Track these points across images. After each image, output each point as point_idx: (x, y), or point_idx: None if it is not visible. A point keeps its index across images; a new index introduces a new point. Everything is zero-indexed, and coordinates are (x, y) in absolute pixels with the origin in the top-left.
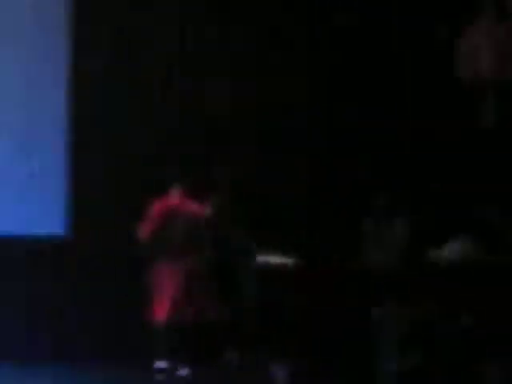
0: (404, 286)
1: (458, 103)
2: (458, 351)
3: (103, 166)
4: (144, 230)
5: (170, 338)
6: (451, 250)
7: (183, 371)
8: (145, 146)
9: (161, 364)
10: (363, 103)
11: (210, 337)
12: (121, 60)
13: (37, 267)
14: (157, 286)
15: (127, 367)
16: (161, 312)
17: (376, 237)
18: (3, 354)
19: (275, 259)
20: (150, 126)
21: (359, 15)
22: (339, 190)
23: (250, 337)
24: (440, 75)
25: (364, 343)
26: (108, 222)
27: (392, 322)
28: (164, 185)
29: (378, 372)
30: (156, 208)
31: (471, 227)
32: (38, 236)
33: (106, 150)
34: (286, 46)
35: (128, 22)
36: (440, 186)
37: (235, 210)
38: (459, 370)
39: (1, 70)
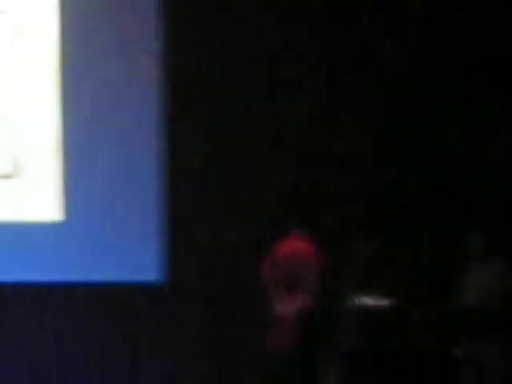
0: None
1: None
2: None
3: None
4: (265, 270)
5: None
6: None
7: None
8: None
9: None
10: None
11: None
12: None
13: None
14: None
15: None
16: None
17: (473, 276)
18: None
19: (371, 301)
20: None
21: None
22: (434, 227)
23: None
24: None
25: None
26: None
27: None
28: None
29: None
30: (278, 250)
31: None
32: (133, 282)
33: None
34: None
35: None
36: None
37: None
38: None
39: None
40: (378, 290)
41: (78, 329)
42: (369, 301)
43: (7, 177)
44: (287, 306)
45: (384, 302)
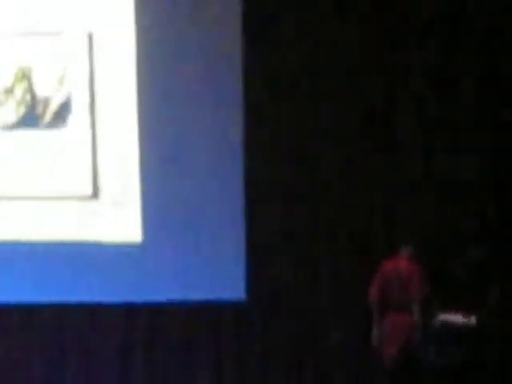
0: None
1: None
2: None
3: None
4: (373, 292)
5: None
6: None
7: None
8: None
9: None
10: None
11: None
12: None
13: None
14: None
15: None
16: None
17: None
18: None
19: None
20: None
21: None
22: None
23: None
24: None
25: None
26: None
27: None
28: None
29: None
30: (385, 268)
31: None
32: (219, 301)
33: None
34: None
35: None
36: None
37: None
38: None
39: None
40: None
41: (164, 348)
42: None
43: (87, 198)
44: (391, 325)
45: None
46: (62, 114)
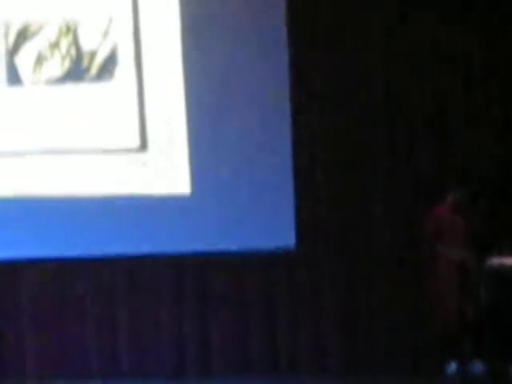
0: None
1: None
2: None
3: None
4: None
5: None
6: None
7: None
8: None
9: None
10: None
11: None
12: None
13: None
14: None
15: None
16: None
17: None
18: None
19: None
20: None
21: None
22: None
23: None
24: None
25: None
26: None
27: None
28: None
29: None
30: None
31: None
32: (269, 250)
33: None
34: None
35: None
36: None
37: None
38: None
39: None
40: None
41: (216, 298)
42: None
43: (135, 150)
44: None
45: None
46: (107, 67)
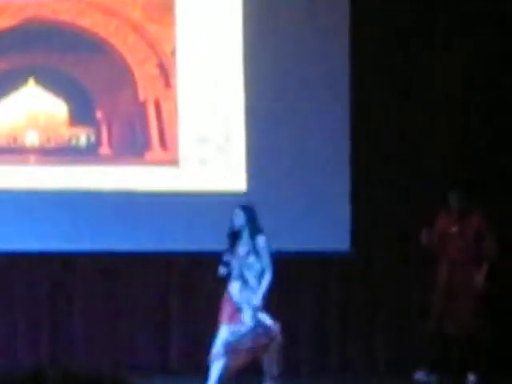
0: None
1: None
2: None
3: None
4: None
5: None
6: None
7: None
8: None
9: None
10: None
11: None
12: None
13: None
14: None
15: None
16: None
17: None
18: None
19: None
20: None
21: None
22: None
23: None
24: None
25: None
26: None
27: None
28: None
29: None
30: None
31: None
32: (324, 253)
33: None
34: None
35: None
36: None
37: None
38: None
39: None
40: None
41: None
42: None
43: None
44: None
45: None
46: None
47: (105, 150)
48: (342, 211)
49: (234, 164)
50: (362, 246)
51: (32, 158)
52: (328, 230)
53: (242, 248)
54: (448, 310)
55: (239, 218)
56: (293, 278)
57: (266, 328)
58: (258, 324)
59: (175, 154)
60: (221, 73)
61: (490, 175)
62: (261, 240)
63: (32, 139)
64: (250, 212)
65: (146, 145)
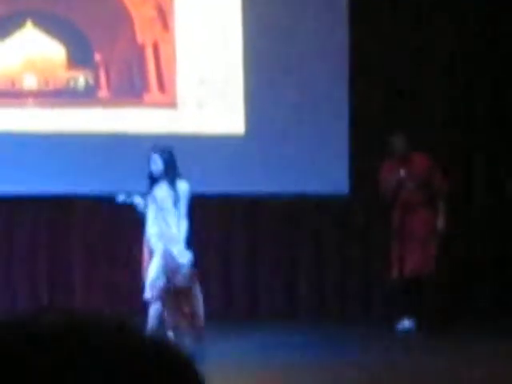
0: None
1: None
2: None
3: None
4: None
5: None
6: None
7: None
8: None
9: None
10: None
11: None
12: None
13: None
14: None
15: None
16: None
17: None
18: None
19: None
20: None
21: None
22: None
23: None
24: None
25: None
26: None
27: None
28: None
29: None
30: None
31: None
32: (321, 195)
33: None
34: None
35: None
36: None
37: None
38: None
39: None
40: None
41: (264, 239)
42: None
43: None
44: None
45: None
46: None
47: (103, 92)
48: (341, 154)
49: (232, 106)
50: (360, 190)
51: (30, 100)
52: (326, 172)
53: (161, 191)
54: (405, 254)
55: (157, 164)
56: (290, 219)
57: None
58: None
59: (173, 96)
60: (219, 15)
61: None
62: (181, 185)
63: (30, 82)
64: (168, 157)
65: (144, 87)
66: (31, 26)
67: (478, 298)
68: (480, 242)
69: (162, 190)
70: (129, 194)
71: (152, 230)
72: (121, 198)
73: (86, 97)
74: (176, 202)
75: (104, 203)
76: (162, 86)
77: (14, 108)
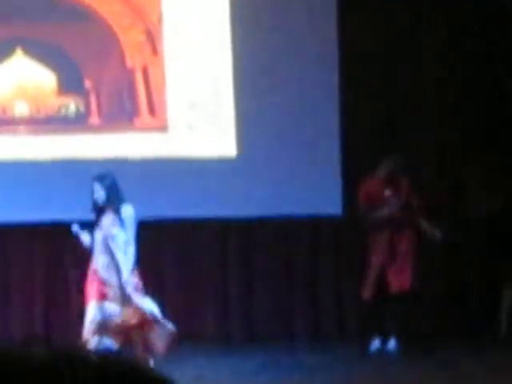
0: None
1: None
2: None
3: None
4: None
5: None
6: None
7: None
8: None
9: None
10: None
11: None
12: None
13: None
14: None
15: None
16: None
17: None
18: None
19: None
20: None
21: None
22: None
23: None
24: None
25: None
26: None
27: None
28: None
29: None
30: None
31: None
32: (316, 216)
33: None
34: None
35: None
36: None
37: None
38: None
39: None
40: None
41: (260, 263)
42: None
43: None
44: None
45: None
46: None
47: (94, 119)
48: (333, 175)
49: (223, 129)
50: (354, 209)
51: (22, 128)
52: (319, 194)
53: (107, 219)
54: (391, 271)
55: (99, 193)
56: (284, 241)
57: (136, 307)
58: (128, 302)
59: (164, 120)
60: (208, 38)
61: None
62: (126, 210)
63: (21, 110)
64: (109, 183)
65: (134, 111)
66: (21, 53)
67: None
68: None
69: (107, 217)
70: (81, 227)
71: (100, 260)
72: (75, 227)
73: (76, 123)
74: (121, 225)
75: None
76: (152, 109)
77: (5, 136)
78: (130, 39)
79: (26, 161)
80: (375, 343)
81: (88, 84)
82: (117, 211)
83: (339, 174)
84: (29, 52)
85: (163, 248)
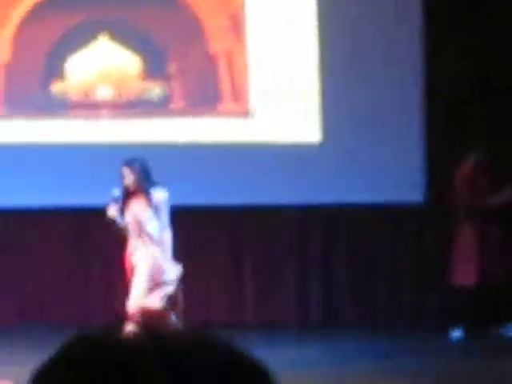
0: None
1: None
2: None
3: None
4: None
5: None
6: None
7: (456, 333)
8: None
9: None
10: None
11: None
12: None
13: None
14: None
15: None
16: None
17: None
18: None
19: None
20: None
21: None
22: None
23: None
24: None
25: None
26: None
27: None
28: None
29: None
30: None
31: None
32: (398, 204)
33: None
34: None
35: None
36: None
37: None
38: None
39: None
40: None
41: (341, 250)
42: None
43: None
44: None
45: None
46: None
47: (177, 103)
48: (416, 163)
49: (307, 115)
50: (435, 198)
51: (104, 112)
52: (401, 181)
53: (137, 204)
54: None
55: (129, 178)
56: (364, 229)
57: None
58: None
59: (246, 105)
60: (292, 24)
61: None
62: (158, 195)
63: (104, 94)
64: (138, 167)
65: (217, 97)
66: (107, 37)
67: None
68: None
69: (138, 203)
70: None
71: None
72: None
73: (159, 108)
74: (154, 210)
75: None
76: (235, 95)
77: (88, 120)
78: (215, 25)
79: (107, 144)
80: (456, 332)
81: (172, 69)
82: (148, 196)
83: (422, 161)
84: (114, 36)
85: (240, 235)
